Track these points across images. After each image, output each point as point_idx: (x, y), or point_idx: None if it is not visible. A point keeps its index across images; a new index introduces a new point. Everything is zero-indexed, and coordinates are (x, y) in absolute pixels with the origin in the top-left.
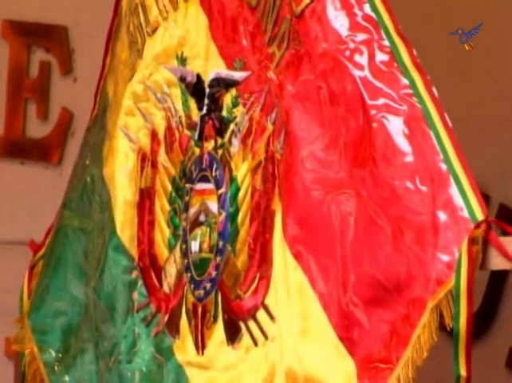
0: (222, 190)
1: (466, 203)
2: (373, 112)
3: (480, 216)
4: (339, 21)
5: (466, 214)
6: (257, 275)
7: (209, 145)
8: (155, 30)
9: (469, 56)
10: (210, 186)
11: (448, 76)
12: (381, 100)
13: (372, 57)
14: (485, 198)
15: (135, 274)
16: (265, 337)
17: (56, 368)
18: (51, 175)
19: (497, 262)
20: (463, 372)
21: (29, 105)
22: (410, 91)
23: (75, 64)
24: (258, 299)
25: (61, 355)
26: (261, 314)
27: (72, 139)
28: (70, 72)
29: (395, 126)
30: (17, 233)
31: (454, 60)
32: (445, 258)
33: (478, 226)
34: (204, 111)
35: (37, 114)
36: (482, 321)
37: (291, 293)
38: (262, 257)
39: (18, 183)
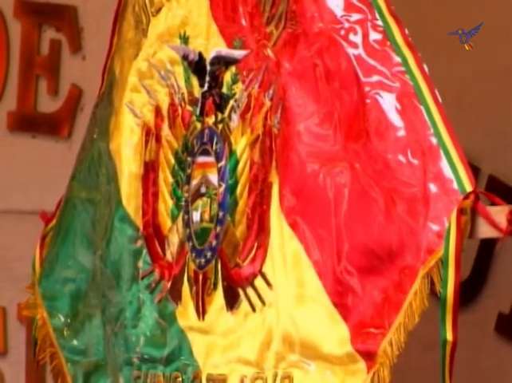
0: (222, 163)
1: (455, 175)
2: (367, 88)
3: (469, 187)
4: (334, 1)
5: (455, 185)
6: (255, 244)
7: (210, 120)
8: (159, 10)
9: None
10: (210, 159)
11: (439, 52)
12: (375, 78)
13: (366, 35)
14: (475, 170)
15: (139, 243)
16: (263, 303)
17: (65, 332)
18: (61, 148)
19: (484, 231)
20: (450, 336)
21: (40, 82)
22: (402, 68)
23: (84, 42)
24: (256, 267)
25: (69, 320)
26: (259, 282)
27: (81, 114)
28: (79, 50)
29: (388, 102)
30: (29, 203)
31: (444, 35)
32: (435, 227)
33: (466, 197)
34: (205, 87)
35: (48, 90)
36: (473, 287)
37: (287, 261)
38: (260, 227)
39: (30, 156)
